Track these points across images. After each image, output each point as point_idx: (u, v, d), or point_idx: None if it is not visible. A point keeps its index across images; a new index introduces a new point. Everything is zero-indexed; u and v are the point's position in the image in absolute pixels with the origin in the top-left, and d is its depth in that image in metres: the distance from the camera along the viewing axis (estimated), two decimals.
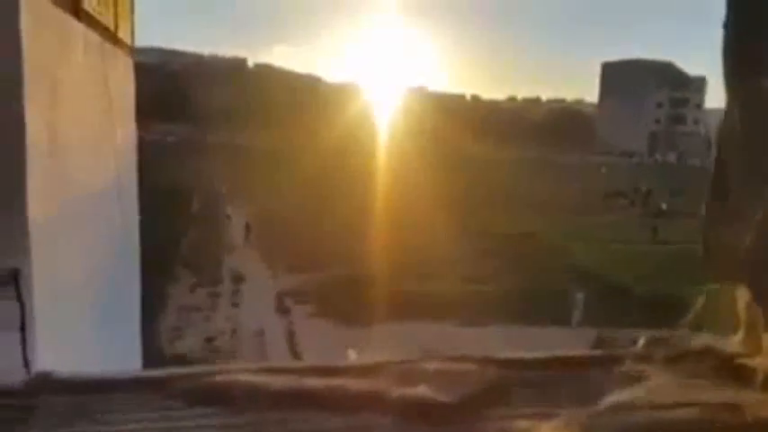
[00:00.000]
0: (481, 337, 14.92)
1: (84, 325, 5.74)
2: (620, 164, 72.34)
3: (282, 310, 16.76)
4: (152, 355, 11.36)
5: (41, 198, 4.49)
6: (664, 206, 37.50)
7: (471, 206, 32.45)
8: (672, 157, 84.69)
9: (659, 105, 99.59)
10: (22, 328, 4.34)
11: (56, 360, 4.67)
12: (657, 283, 18.41)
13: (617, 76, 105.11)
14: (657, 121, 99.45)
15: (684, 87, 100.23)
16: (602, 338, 15.04)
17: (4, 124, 4.16)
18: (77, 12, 5.66)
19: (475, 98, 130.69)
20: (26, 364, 4.35)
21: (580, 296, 17.10)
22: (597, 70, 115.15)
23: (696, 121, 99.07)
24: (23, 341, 4.34)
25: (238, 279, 19.67)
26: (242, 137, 67.97)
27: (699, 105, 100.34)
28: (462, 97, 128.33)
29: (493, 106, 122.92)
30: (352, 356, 12.23)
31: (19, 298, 4.36)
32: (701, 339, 0.99)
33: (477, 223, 28.38)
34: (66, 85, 5.32)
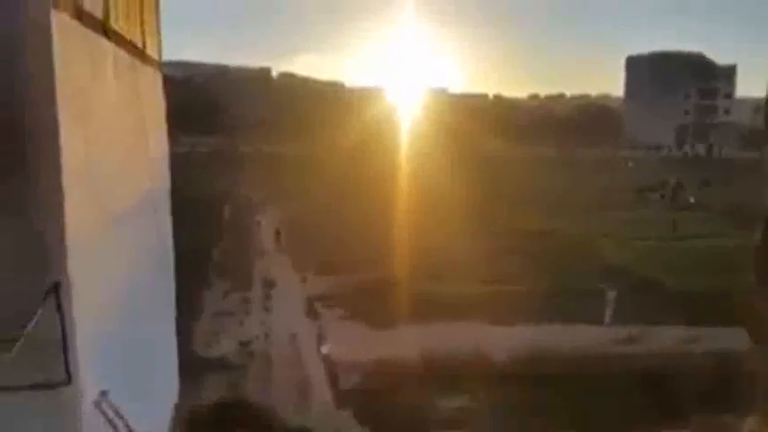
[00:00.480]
0: (509, 335, 14.91)
1: (122, 332, 5.95)
2: (648, 158, 71.26)
3: (313, 314, 16.95)
4: (189, 359, 11.63)
5: (78, 213, 4.69)
6: (692, 199, 36.79)
7: (497, 205, 32.35)
8: (701, 150, 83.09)
9: (687, 96, 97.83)
10: (64, 339, 4.54)
11: (95, 367, 4.86)
12: (687, 279, 18.18)
13: (642, 68, 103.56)
14: (686, 113, 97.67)
15: (713, 77, 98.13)
16: (632, 337, 14.93)
17: (39, 143, 4.37)
18: (106, 31, 5.87)
19: (497, 97, 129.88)
20: (68, 371, 4.55)
21: (612, 294, 16.92)
22: (621, 64, 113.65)
23: (727, 111, 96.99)
24: (65, 351, 4.54)
25: (269, 284, 19.95)
26: (269, 145, 68.57)
27: (729, 95, 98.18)
28: (484, 96, 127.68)
29: (516, 104, 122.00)
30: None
31: (59, 309, 4.56)
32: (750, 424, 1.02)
33: (504, 222, 28.31)
34: (98, 102, 5.54)
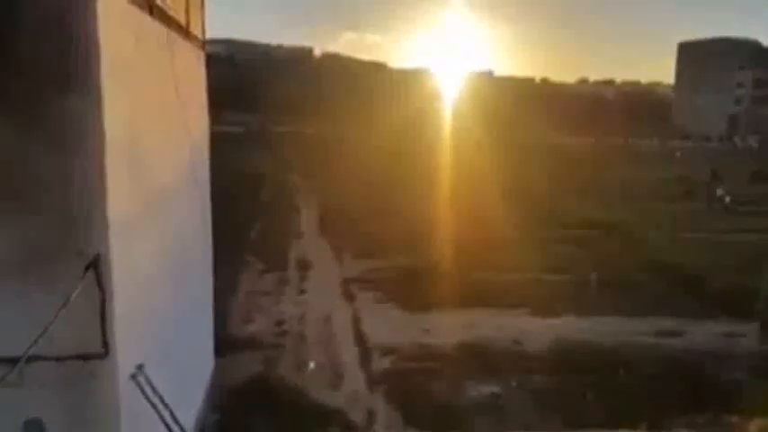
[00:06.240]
0: (551, 326, 14.73)
1: (159, 308, 6.02)
2: (698, 148, 69.35)
3: (348, 296, 17.00)
4: (224, 336, 11.79)
5: (120, 187, 4.72)
6: (720, 192, 33.24)
7: (541, 193, 31.91)
8: (753, 141, 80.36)
9: (740, 85, 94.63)
10: (102, 312, 4.61)
11: (132, 341, 4.91)
12: (733, 275, 17.66)
13: (695, 56, 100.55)
14: (738, 103, 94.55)
15: None
16: (673, 331, 14.64)
17: (84, 122, 4.41)
18: (151, 9, 5.88)
19: (544, 81, 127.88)
20: (105, 343, 4.62)
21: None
22: (674, 50, 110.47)
23: None
24: (103, 324, 4.60)
25: (305, 265, 20.07)
26: (309, 125, 68.95)
27: None
28: (531, 80, 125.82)
29: (563, 89, 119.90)
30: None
31: (99, 282, 4.63)
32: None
33: (547, 210, 27.89)
34: (140, 78, 5.55)
